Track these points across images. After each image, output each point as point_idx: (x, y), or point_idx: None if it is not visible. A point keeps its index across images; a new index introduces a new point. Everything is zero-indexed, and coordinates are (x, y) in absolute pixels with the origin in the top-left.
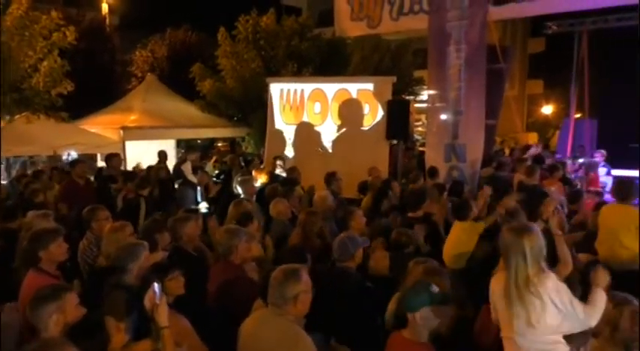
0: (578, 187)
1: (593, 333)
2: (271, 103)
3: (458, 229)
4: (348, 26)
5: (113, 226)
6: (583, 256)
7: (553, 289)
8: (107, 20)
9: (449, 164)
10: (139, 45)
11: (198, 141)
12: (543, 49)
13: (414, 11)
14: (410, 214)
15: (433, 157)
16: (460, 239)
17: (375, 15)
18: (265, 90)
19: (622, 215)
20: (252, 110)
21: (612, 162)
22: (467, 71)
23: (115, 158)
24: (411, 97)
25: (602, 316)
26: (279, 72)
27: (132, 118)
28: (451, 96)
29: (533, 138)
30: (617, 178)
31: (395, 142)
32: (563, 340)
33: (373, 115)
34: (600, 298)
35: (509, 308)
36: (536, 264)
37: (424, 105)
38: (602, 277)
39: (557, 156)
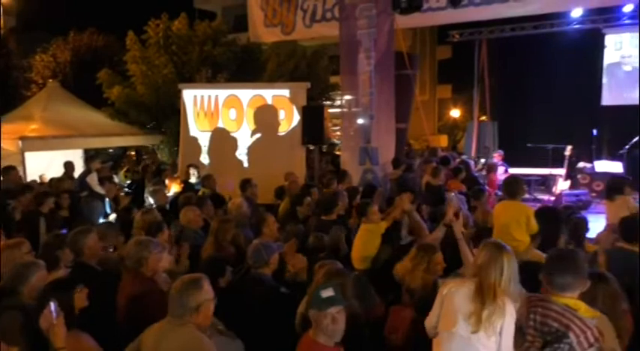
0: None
1: None
2: (184, 109)
3: (363, 230)
4: (263, 32)
5: (7, 244)
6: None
7: (510, 315)
8: (1, 22)
9: (363, 167)
10: (39, 49)
11: (110, 150)
12: (450, 56)
13: (326, 18)
14: (324, 218)
15: (349, 161)
16: (365, 240)
17: (288, 21)
18: (178, 96)
19: (512, 211)
20: (165, 117)
21: (512, 161)
22: (377, 77)
23: (12, 171)
24: (329, 103)
25: None
26: (192, 78)
27: (32, 128)
28: (363, 101)
29: (443, 140)
30: (506, 177)
31: (312, 147)
32: None
33: (289, 120)
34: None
35: (477, 307)
36: (505, 282)
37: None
38: None
39: (464, 157)
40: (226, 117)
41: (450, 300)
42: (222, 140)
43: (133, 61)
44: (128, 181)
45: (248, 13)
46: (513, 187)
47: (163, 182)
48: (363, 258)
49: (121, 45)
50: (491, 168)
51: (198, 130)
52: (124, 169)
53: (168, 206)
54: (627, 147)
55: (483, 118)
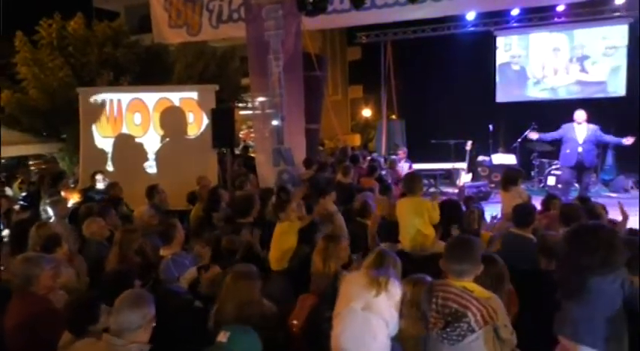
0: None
1: (400, 314)
2: (84, 115)
3: (277, 230)
4: (167, 33)
5: None
6: (385, 245)
7: (393, 291)
8: None
9: (278, 168)
10: None
11: (2, 161)
12: (360, 57)
13: (233, 19)
14: (240, 221)
15: (263, 163)
16: (281, 240)
17: (194, 22)
18: (78, 101)
19: (413, 206)
20: (64, 123)
21: (419, 157)
22: (286, 78)
23: None
24: (242, 105)
25: (405, 297)
26: (93, 81)
27: None
28: (274, 102)
29: (357, 139)
30: (405, 175)
31: (225, 150)
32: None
33: (198, 124)
34: None
35: (372, 280)
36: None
37: (257, 111)
38: None
39: (374, 155)
40: (131, 122)
41: (346, 288)
42: (127, 146)
43: (24, 64)
44: (23, 194)
45: (151, 14)
46: (412, 184)
47: (59, 193)
48: (280, 258)
49: (8, 46)
50: (392, 164)
51: (101, 136)
52: (19, 180)
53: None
54: (519, 140)
55: (393, 116)
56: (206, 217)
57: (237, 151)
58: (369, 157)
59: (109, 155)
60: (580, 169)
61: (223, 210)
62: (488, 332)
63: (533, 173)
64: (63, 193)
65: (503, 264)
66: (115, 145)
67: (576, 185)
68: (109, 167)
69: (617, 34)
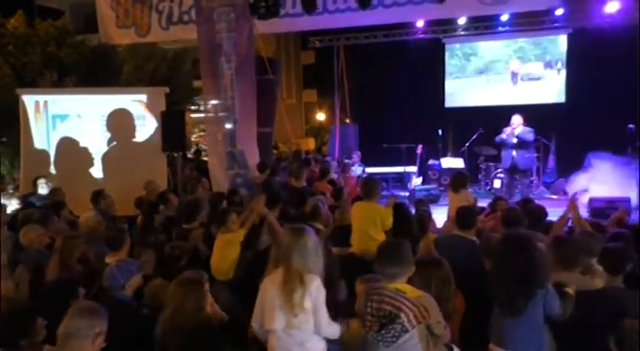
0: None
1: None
2: (25, 117)
3: (221, 241)
4: (115, 33)
5: None
6: (336, 249)
7: (315, 288)
8: None
9: (232, 172)
10: None
11: None
12: (314, 61)
13: (183, 21)
14: (185, 226)
15: (216, 166)
16: (224, 252)
17: (143, 23)
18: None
19: (367, 211)
20: (4, 126)
21: (371, 160)
22: (238, 82)
23: None
24: (194, 107)
25: (360, 296)
26: (35, 82)
27: None
28: (226, 105)
29: (311, 143)
30: (364, 179)
31: (176, 154)
32: (318, 336)
33: (147, 127)
34: (339, 329)
35: (286, 297)
36: (310, 262)
37: (210, 114)
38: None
39: (328, 158)
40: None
41: (264, 295)
42: (72, 150)
43: None
44: None
45: (97, 13)
46: (369, 188)
47: None
48: (221, 269)
49: None
50: (345, 168)
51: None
52: None
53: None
54: (467, 144)
55: (347, 120)
56: (148, 222)
57: (189, 155)
58: (321, 161)
59: (52, 159)
60: (515, 172)
61: (165, 214)
62: (421, 330)
63: (480, 176)
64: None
65: (449, 266)
66: (59, 149)
67: (519, 187)
68: (53, 171)
69: (558, 43)
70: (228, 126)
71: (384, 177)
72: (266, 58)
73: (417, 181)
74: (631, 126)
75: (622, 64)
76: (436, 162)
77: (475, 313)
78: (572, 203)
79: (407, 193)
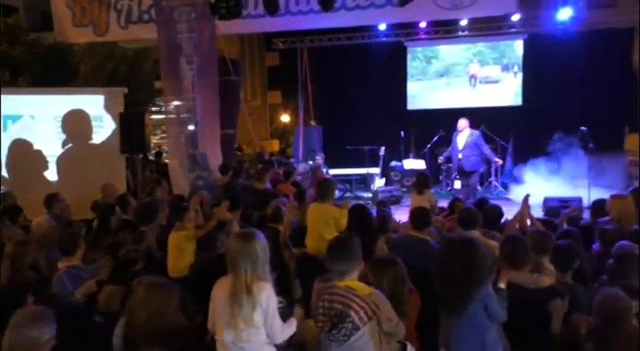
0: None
1: (307, 315)
2: None
3: (173, 239)
4: (71, 32)
5: None
6: (295, 251)
7: (265, 297)
8: None
9: (193, 174)
10: None
11: None
12: (278, 63)
13: (143, 20)
14: (143, 228)
15: (177, 169)
16: (177, 252)
17: (100, 22)
18: None
19: (321, 213)
20: None
21: (335, 162)
22: (200, 83)
23: None
24: (156, 109)
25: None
26: None
27: None
28: (187, 107)
29: (275, 145)
30: (319, 181)
31: (136, 156)
32: (269, 346)
33: (105, 128)
34: (292, 326)
35: (234, 311)
36: (259, 269)
37: (171, 116)
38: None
39: (292, 160)
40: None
41: (214, 302)
42: (25, 152)
43: None
44: None
45: (52, 11)
46: (324, 190)
47: None
48: (177, 267)
49: None
50: (315, 170)
51: None
52: None
53: None
54: (429, 146)
55: (312, 122)
56: (103, 226)
57: (150, 157)
58: (285, 163)
59: (3, 162)
60: (462, 174)
61: (120, 217)
62: (372, 327)
63: (441, 177)
64: None
65: (402, 265)
66: (10, 151)
67: (479, 188)
68: (5, 174)
69: (514, 48)
70: (189, 128)
71: (348, 178)
72: (228, 59)
73: (379, 183)
74: (583, 128)
75: (574, 69)
76: (399, 163)
77: (430, 312)
78: (524, 203)
79: (370, 195)
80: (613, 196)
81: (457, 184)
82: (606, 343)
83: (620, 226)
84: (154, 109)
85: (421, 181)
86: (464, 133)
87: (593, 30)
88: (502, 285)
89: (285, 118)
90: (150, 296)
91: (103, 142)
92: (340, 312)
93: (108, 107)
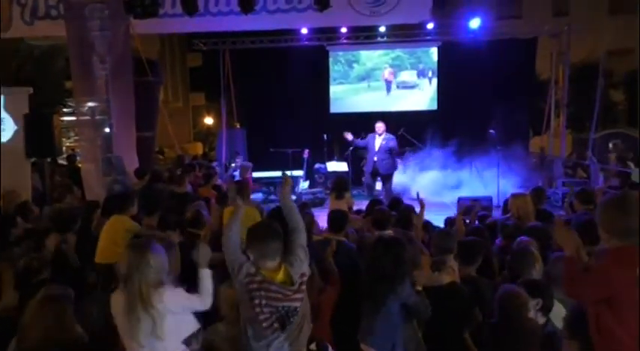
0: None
1: (220, 317)
2: None
3: (112, 223)
4: None
5: None
6: (216, 254)
7: (170, 301)
8: None
9: (108, 179)
10: None
11: None
12: (201, 64)
13: (51, 16)
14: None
15: (91, 173)
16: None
17: (3, 17)
18: None
19: (245, 214)
20: None
21: (259, 165)
22: (114, 83)
23: None
24: (67, 110)
25: (226, 300)
26: None
27: None
28: (101, 108)
29: (199, 148)
30: (237, 182)
31: (46, 160)
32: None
33: (7, 130)
34: (205, 277)
35: (133, 326)
36: (154, 278)
37: (83, 117)
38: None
39: (215, 164)
40: None
41: (116, 316)
42: None
43: None
44: None
45: None
46: (239, 192)
47: None
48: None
49: None
50: (244, 172)
51: None
52: None
53: None
54: (351, 149)
55: (237, 125)
56: (3, 237)
57: (61, 161)
58: (206, 166)
59: None
60: (377, 176)
61: (24, 227)
62: (305, 303)
63: (363, 179)
64: None
65: (314, 265)
66: None
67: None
68: None
69: (430, 54)
70: (104, 130)
71: (272, 181)
72: (145, 58)
73: (304, 185)
74: (492, 131)
75: (484, 75)
76: (322, 166)
77: (346, 310)
78: (422, 204)
79: (294, 197)
80: (513, 195)
81: (379, 186)
82: (505, 337)
83: (519, 222)
84: (65, 110)
85: (339, 185)
86: (381, 137)
87: (501, 39)
88: (419, 287)
89: (208, 120)
90: (43, 312)
91: (3, 146)
92: (282, 307)
93: (10, 108)
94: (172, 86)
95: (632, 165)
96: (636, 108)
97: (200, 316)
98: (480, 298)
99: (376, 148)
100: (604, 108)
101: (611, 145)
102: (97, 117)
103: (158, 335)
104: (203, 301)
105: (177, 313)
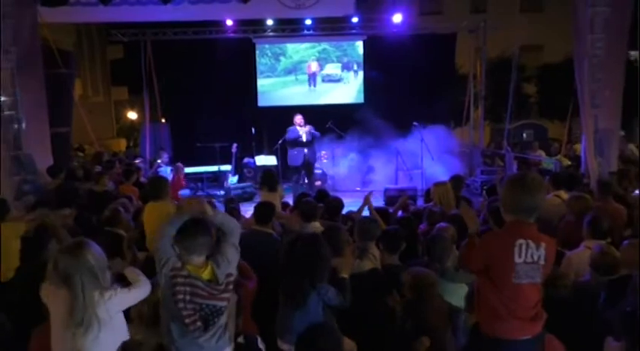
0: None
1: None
2: None
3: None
4: None
5: None
6: (141, 254)
7: (111, 301)
8: None
9: (17, 178)
10: None
11: None
12: (122, 56)
13: None
14: None
15: None
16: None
17: None
18: None
19: (158, 212)
20: None
21: (185, 160)
22: (22, 76)
23: None
24: None
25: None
26: None
27: None
28: (9, 103)
29: (122, 144)
30: (150, 178)
31: None
32: None
33: None
34: (131, 272)
35: (74, 330)
36: (97, 279)
37: None
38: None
39: (138, 160)
40: None
41: (50, 307)
42: None
43: None
44: None
45: None
46: (156, 188)
47: None
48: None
49: None
50: (177, 170)
51: None
52: None
53: None
54: (280, 142)
55: (163, 120)
56: None
57: None
58: (126, 163)
59: None
60: (307, 167)
61: None
62: (232, 303)
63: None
64: None
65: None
66: None
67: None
68: None
69: (356, 48)
70: (12, 126)
71: (199, 176)
72: (56, 49)
73: (233, 180)
74: (416, 123)
75: (407, 69)
76: (251, 160)
77: (270, 303)
78: (367, 196)
79: (223, 192)
80: (435, 184)
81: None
82: (419, 315)
83: (442, 209)
84: None
85: (269, 178)
86: (304, 129)
87: (423, 34)
88: (345, 275)
89: (132, 115)
90: None
91: None
92: (207, 306)
93: None
94: (92, 80)
95: (543, 153)
96: (547, 100)
97: None
98: (400, 284)
99: (304, 140)
100: (518, 100)
101: (525, 135)
102: (5, 112)
103: (100, 341)
104: (142, 287)
105: (116, 312)
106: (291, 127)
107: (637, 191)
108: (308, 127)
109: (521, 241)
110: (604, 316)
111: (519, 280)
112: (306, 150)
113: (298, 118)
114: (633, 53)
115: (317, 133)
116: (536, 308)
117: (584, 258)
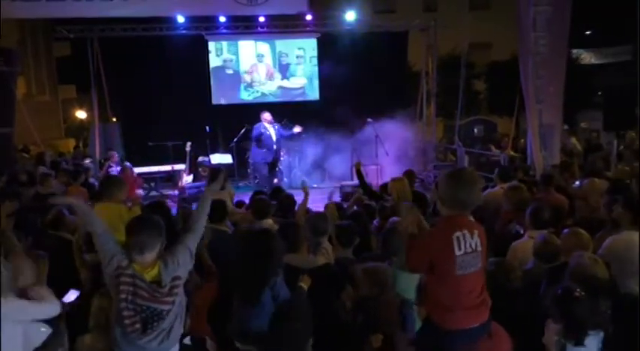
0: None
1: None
2: None
3: None
4: None
5: None
6: (90, 257)
7: (15, 309)
8: None
9: None
10: None
11: None
12: (70, 53)
13: None
14: None
15: None
16: None
17: None
18: None
19: (107, 212)
20: None
21: (137, 160)
22: None
23: None
24: None
25: (98, 309)
26: None
27: None
28: None
29: (70, 144)
30: (103, 177)
31: None
32: None
33: None
34: (44, 292)
35: None
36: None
37: None
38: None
39: (87, 160)
40: None
41: None
42: None
43: None
44: None
45: None
46: (107, 188)
47: None
48: None
49: None
50: (126, 170)
51: None
52: None
53: None
54: (235, 140)
55: (114, 119)
56: None
57: None
58: (73, 163)
59: None
60: (275, 164)
61: None
62: (178, 306)
63: (249, 171)
64: None
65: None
66: None
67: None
68: None
69: (310, 45)
70: None
71: (152, 176)
72: None
73: (187, 179)
74: (370, 120)
75: (361, 66)
76: (206, 158)
77: (227, 302)
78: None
79: (177, 192)
80: (393, 179)
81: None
82: (371, 310)
83: (394, 203)
84: None
85: (216, 177)
86: (272, 126)
87: (376, 32)
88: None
89: (81, 114)
90: None
91: None
92: (153, 309)
93: None
94: (37, 78)
95: (492, 147)
96: (496, 96)
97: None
98: (352, 278)
99: (274, 138)
100: (468, 97)
101: (475, 131)
102: None
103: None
104: (49, 305)
105: (23, 321)
106: (257, 124)
107: (578, 182)
108: (274, 125)
109: (458, 233)
110: (545, 301)
111: (463, 271)
112: (275, 147)
113: (267, 116)
114: (575, 51)
115: (288, 133)
116: (482, 295)
117: (527, 247)
